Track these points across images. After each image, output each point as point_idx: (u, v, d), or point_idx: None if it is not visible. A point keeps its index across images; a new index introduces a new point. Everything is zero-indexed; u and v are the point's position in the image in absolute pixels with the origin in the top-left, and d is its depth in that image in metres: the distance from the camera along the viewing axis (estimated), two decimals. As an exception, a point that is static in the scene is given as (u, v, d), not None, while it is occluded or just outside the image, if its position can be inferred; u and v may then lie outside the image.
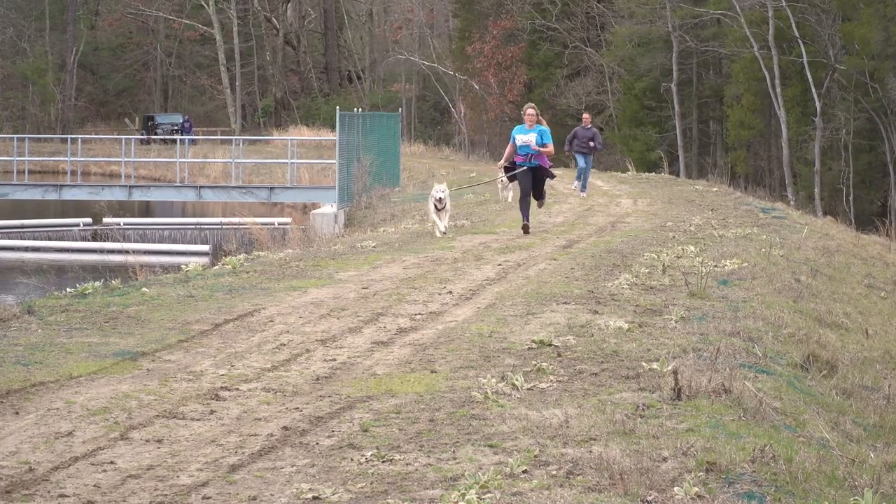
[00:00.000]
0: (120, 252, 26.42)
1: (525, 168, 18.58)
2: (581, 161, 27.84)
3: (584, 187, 27.78)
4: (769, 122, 45.72)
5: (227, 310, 11.43)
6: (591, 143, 27.46)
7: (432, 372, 8.71)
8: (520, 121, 19.10)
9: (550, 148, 18.49)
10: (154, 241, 37.13)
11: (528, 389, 8.06)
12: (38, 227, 39.28)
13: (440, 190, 18.02)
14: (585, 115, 28.66)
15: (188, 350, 9.55)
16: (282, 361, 9.15)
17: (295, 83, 79.21)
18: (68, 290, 12.87)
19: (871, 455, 7.19)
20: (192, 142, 54.44)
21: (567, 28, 53.85)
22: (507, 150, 18.87)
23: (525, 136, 18.53)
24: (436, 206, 18.05)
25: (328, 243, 18.94)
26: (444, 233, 17.98)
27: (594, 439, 6.83)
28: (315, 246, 18.70)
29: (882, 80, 40.47)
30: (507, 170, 19.18)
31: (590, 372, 8.60)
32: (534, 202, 19.30)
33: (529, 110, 18.65)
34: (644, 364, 8.65)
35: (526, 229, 18.44)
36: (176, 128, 68.40)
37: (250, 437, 7.06)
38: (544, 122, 18.94)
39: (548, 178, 18.96)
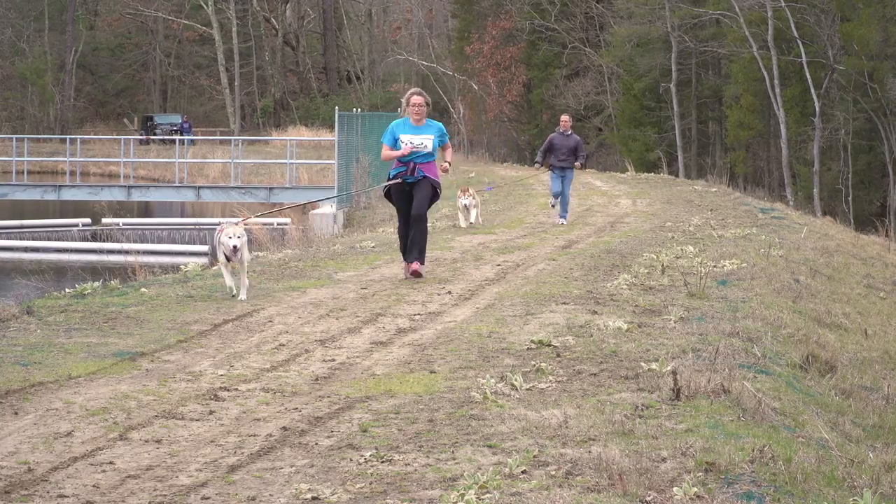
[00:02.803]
0: (119, 252, 26.43)
1: (402, 181, 13.42)
2: (557, 183, 21.31)
3: (564, 211, 21.49)
4: (768, 122, 45.73)
5: (225, 310, 11.43)
6: (576, 155, 21.31)
7: (431, 372, 8.71)
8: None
9: (450, 153, 13.92)
10: (153, 242, 37.13)
11: (528, 390, 8.06)
12: (38, 228, 39.29)
13: (235, 235, 11.83)
14: (564, 118, 22.09)
15: (187, 350, 9.55)
16: (281, 362, 9.15)
17: (294, 83, 79.24)
18: (67, 290, 12.87)
19: (871, 455, 7.19)
20: (192, 142, 54.45)
21: (566, 28, 53.86)
22: (385, 152, 13.60)
23: (417, 138, 13.31)
24: (227, 256, 11.93)
25: (327, 243, 18.94)
26: (240, 298, 11.87)
27: (593, 439, 6.83)
28: (314, 246, 18.70)
29: (881, 80, 40.50)
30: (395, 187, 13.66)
31: (589, 372, 8.60)
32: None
33: (416, 97, 13.33)
34: (643, 364, 8.65)
35: (417, 275, 13.30)
36: (175, 128, 68.40)
37: (249, 437, 7.06)
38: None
39: (434, 200, 13.67)
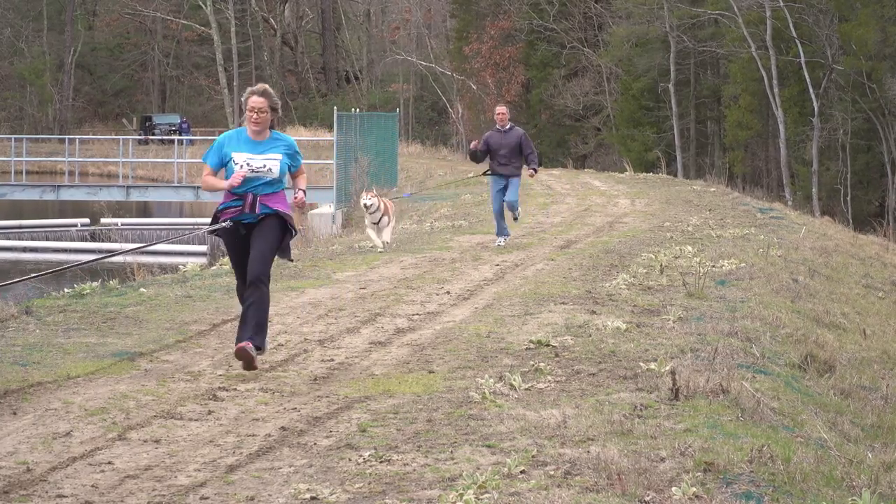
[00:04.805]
0: (118, 252, 26.40)
1: (233, 224, 8.94)
2: (497, 196, 16.77)
3: (502, 232, 17.10)
4: (767, 122, 45.75)
5: (224, 310, 11.43)
6: (520, 155, 16.68)
7: (430, 372, 8.71)
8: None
9: (304, 181, 9.25)
10: (152, 242, 37.08)
11: (526, 390, 8.06)
12: (36, 228, 39.29)
13: None
14: (499, 110, 17.14)
15: (186, 350, 9.55)
16: (280, 362, 9.15)
17: (293, 83, 79.21)
18: (66, 290, 12.87)
19: (869, 455, 7.19)
20: (190, 142, 54.44)
21: (565, 28, 53.87)
22: (206, 178, 9.14)
23: (257, 158, 8.93)
24: None
25: (326, 243, 18.94)
26: None
27: (592, 439, 6.83)
28: (313, 246, 18.70)
29: (879, 80, 40.52)
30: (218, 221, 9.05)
31: (587, 372, 8.60)
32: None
33: (255, 99, 8.92)
34: (642, 364, 8.65)
35: (248, 361, 8.66)
36: (174, 128, 68.40)
37: (248, 437, 7.06)
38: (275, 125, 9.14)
39: (285, 246, 9.15)
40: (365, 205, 16.38)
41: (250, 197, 8.89)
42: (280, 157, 8.96)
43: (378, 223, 16.51)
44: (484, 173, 17.35)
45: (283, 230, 9.00)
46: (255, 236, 8.92)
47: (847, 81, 41.47)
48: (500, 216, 16.89)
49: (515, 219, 17.49)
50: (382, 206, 16.49)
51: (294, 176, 9.20)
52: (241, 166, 8.86)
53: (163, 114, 76.11)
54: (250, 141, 8.97)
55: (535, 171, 17.14)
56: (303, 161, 9.25)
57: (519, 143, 16.64)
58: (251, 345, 8.64)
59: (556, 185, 31.69)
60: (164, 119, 71.92)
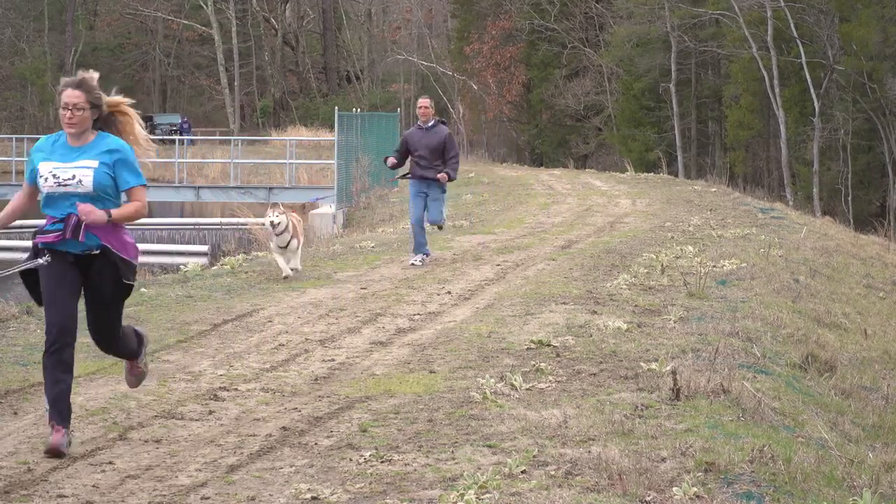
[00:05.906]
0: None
1: (51, 256, 6.75)
2: (418, 203, 14.80)
3: (419, 248, 14.85)
4: (768, 122, 45.73)
5: (225, 310, 11.44)
6: (443, 159, 14.70)
7: (431, 372, 8.71)
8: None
9: (137, 205, 6.85)
10: (152, 242, 37.06)
11: (527, 390, 8.06)
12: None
13: None
14: (422, 102, 15.02)
15: (187, 350, 9.55)
16: (280, 362, 9.16)
17: (293, 83, 79.25)
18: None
19: (870, 455, 7.19)
20: (191, 142, 54.45)
21: (566, 28, 53.86)
22: (15, 202, 6.89)
23: (66, 168, 6.70)
24: None
25: (327, 244, 18.94)
26: None
27: (593, 439, 6.83)
28: (314, 246, 18.70)
29: (880, 80, 40.51)
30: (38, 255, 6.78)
31: (588, 372, 8.61)
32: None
33: (70, 92, 6.67)
34: (643, 364, 8.65)
35: (54, 448, 6.57)
36: (174, 128, 68.40)
37: (249, 437, 7.06)
38: (132, 121, 7.06)
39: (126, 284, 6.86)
40: (272, 223, 13.61)
41: (73, 220, 6.67)
42: (95, 163, 6.70)
43: (286, 247, 13.76)
44: (404, 176, 15.60)
45: (119, 277, 6.81)
46: (92, 294, 6.83)
47: (848, 81, 41.46)
48: (418, 228, 14.79)
49: (440, 227, 15.67)
50: (291, 225, 13.83)
51: (128, 193, 6.82)
52: (46, 179, 6.70)
53: (164, 113, 76.10)
54: (66, 147, 6.79)
55: (450, 177, 14.79)
56: (144, 183, 6.90)
57: (442, 145, 14.66)
58: (62, 431, 6.62)
59: (556, 185, 31.68)
60: (165, 119, 71.90)
